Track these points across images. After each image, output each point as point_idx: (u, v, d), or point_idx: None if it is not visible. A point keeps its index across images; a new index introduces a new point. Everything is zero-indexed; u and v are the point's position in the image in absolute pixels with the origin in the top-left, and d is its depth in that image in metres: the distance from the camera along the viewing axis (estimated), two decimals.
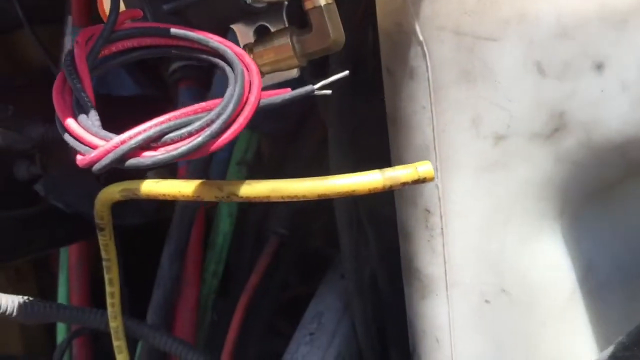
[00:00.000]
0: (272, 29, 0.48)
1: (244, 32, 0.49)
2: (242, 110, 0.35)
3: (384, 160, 0.58)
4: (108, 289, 0.64)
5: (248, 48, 0.44)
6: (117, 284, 0.63)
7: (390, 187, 0.37)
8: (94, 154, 0.32)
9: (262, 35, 0.48)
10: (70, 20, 1.08)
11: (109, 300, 0.65)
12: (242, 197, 0.37)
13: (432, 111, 0.48)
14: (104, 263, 0.61)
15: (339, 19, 0.43)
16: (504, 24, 0.44)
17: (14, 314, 0.59)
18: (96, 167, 0.32)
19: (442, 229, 0.51)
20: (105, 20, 0.47)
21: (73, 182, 0.84)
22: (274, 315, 0.90)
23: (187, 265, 0.78)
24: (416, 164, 0.37)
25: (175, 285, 0.77)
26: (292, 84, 0.42)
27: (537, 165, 0.48)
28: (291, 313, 0.91)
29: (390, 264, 0.78)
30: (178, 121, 0.33)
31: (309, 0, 0.42)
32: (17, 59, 1.24)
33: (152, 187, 0.40)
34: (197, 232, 0.78)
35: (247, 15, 0.46)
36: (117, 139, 0.32)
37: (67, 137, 0.33)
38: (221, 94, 0.76)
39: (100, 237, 0.57)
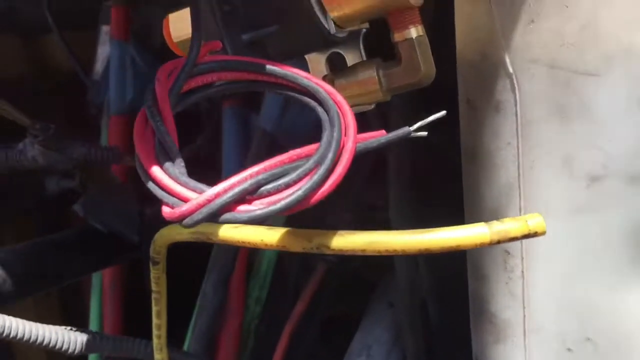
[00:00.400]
0: (347, 57, 0.45)
1: (316, 61, 0.46)
2: (340, 157, 0.32)
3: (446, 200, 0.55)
4: (155, 320, 0.61)
5: (329, 79, 0.41)
6: (165, 316, 0.61)
7: (498, 241, 0.33)
8: (185, 207, 0.29)
9: (339, 64, 0.45)
10: (105, 30, 1.06)
11: (155, 332, 0.63)
12: (334, 249, 0.34)
13: (518, 148, 0.45)
14: (154, 295, 0.58)
15: (430, 52, 0.40)
16: (607, 58, 0.40)
17: (63, 347, 0.56)
18: (187, 221, 0.29)
19: (522, 272, 0.48)
20: (171, 47, 0.45)
21: (111, 202, 0.81)
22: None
23: (230, 292, 0.75)
24: (526, 216, 0.34)
25: (218, 312, 0.74)
26: None
27: (633, 210, 0.44)
28: (324, 334, 0.88)
29: (441, 295, 0.75)
30: (274, 171, 0.30)
31: (399, 32, 0.39)
32: (44, 64, 1.22)
33: (230, 232, 0.37)
34: (241, 258, 0.75)
35: (324, 44, 0.43)
36: (210, 192, 0.29)
37: (151, 186, 0.30)
38: (272, 117, 0.73)
39: (152, 271, 0.55)
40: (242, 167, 0.87)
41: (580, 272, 0.47)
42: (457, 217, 0.54)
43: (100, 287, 0.89)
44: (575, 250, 0.46)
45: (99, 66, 1.10)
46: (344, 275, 0.89)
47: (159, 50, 0.98)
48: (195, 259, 0.78)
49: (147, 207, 0.83)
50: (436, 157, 0.63)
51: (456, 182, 0.54)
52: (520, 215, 0.46)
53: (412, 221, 0.67)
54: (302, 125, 0.71)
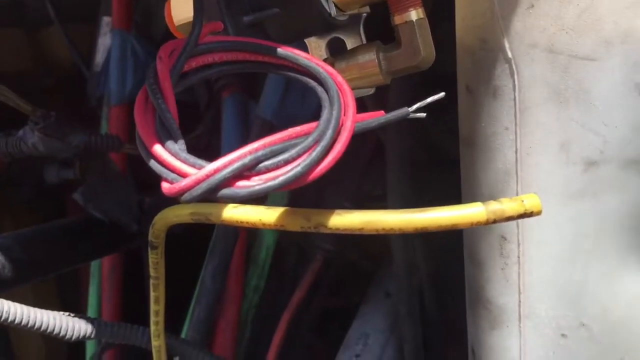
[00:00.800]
0: (347, 42, 0.45)
1: (317, 45, 0.46)
2: (339, 135, 0.32)
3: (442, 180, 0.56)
4: (153, 306, 0.61)
5: (329, 62, 0.41)
6: (163, 302, 0.61)
7: (495, 221, 0.34)
8: (184, 182, 0.29)
9: (339, 48, 0.45)
10: (105, 21, 1.06)
11: (153, 319, 0.63)
12: (331, 228, 0.34)
13: (516, 133, 0.45)
14: (152, 281, 0.58)
15: (430, 35, 0.40)
16: (605, 43, 0.41)
17: (61, 333, 0.56)
18: (186, 197, 0.29)
19: (518, 257, 0.48)
20: (173, 31, 0.45)
21: (111, 191, 0.81)
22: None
23: (229, 280, 0.75)
24: (522, 196, 0.34)
25: (217, 301, 0.74)
26: None
27: (629, 195, 0.44)
28: (321, 325, 0.88)
29: (438, 283, 0.75)
30: (273, 147, 0.30)
31: (399, 15, 0.39)
32: (45, 57, 1.22)
33: (229, 212, 0.37)
34: (240, 246, 0.75)
35: (325, 28, 0.43)
36: (210, 167, 0.29)
37: (152, 163, 0.30)
38: (271, 106, 0.73)
39: (151, 255, 0.55)
40: None
41: (576, 257, 0.47)
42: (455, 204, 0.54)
43: (99, 274, 0.89)
44: (571, 236, 0.47)
45: (99, 58, 1.10)
46: (342, 266, 0.89)
47: (160, 40, 0.98)
48: (195, 247, 0.78)
49: (146, 196, 0.83)
50: (435, 145, 0.63)
51: (455, 170, 0.54)
52: None
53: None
54: (301, 113, 0.71)
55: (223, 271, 0.72)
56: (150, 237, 0.52)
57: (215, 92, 0.82)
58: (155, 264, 0.56)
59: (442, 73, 0.53)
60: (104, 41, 1.07)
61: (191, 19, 0.39)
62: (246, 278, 0.78)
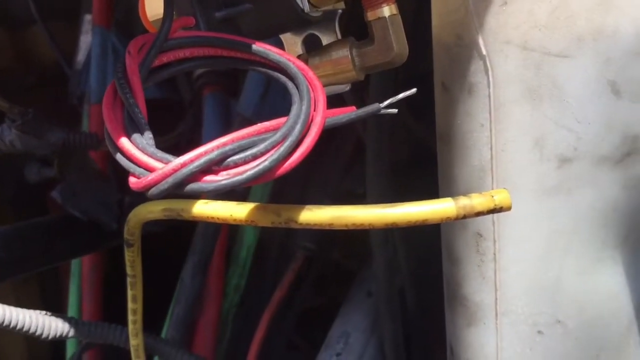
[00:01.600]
0: (323, 39, 0.45)
1: (292, 42, 0.46)
2: (308, 130, 0.32)
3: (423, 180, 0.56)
4: (131, 305, 0.61)
5: (303, 59, 0.41)
6: (141, 300, 0.60)
7: (464, 216, 0.34)
8: (151, 177, 0.29)
9: (315, 45, 0.45)
10: (87, 19, 1.05)
11: (130, 317, 0.62)
12: (301, 223, 0.34)
13: (491, 130, 0.45)
14: (129, 279, 0.58)
15: (403, 32, 0.40)
16: (577, 40, 0.41)
17: (37, 332, 0.56)
18: (153, 191, 0.29)
19: (494, 254, 0.48)
20: (147, 26, 0.44)
21: (90, 190, 0.81)
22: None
23: (209, 279, 0.74)
24: (492, 192, 0.34)
25: (196, 299, 0.73)
26: None
27: (603, 191, 0.45)
28: (304, 325, 0.88)
29: (419, 283, 0.75)
30: (241, 142, 0.30)
31: (372, 11, 0.39)
32: (28, 56, 1.21)
33: (200, 208, 0.37)
34: (220, 245, 0.75)
35: (299, 24, 0.43)
36: (176, 161, 0.29)
37: (119, 157, 0.30)
38: (251, 103, 0.72)
39: (127, 253, 0.54)
40: None
41: (551, 254, 0.47)
42: None
43: (80, 273, 0.88)
44: (546, 232, 0.47)
45: (81, 56, 1.09)
46: (324, 264, 0.89)
47: None
48: (174, 246, 0.77)
49: (126, 194, 0.82)
50: (417, 143, 0.63)
51: (435, 173, 0.54)
52: None
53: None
54: (282, 110, 0.71)
55: (203, 270, 0.72)
56: (125, 235, 0.52)
57: (196, 90, 0.82)
58: (132, 261, 0.56)
59: (424, 70, 0.53)
60: (86, 39, 1.06)
61: None
62: (227, 277, 0.78)
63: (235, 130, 0.75)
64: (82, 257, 0.88)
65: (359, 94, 0.48)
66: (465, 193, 0.49)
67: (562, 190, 0.45)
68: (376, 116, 0.61)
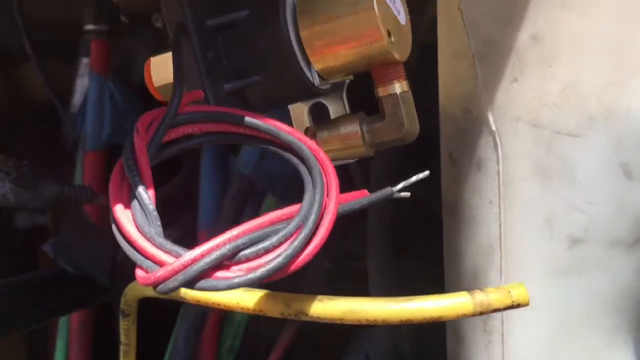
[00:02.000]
0: (330, 107, 0.44)
1: (299, 111, 0.45)
2: (321, 220, 0.31)
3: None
4: None
5: (311, 132, 0.41)
6: None
7: (481, 313, 0.33)
8: (159, 273, 0.27)
9: (322, 113, 0.44)
10: (84, 62, 1.04)
11: None
12: (312, 316, 0.33)
13: (500, 206, 0.44)
14: (122, 347, 0.56)
15: (414, 109, 0.39)
16: (588, 119, 0.40)
17: None
18: (161, 288, 0.27)
19: (502, 335, 0.47)
20: (152, 92, 0.43)
21: (83, 244, 0.79)
22: None
23: (203, 340, 0.72)
24: (508, 286, 0.33)
25: None
26: None
27: (615, 275, 0.43)
28: None
29: (419, 347, 0.73)
30: (253, 235, 0.29)
31: (383, 87, 0.38)
32: (21, 94, 1.20)
33: (205, 293, 0.35)
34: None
35: (307, 96, 0.42)
36: (187, 256, 0.28)
37: (125, 247, 0.29)
38: (250, 162, 0.71)
39: (122, 322, 0.53)
40: (219, 209, 0.84)
41: (562, 337, 0.46)
42: (436, 272, 0.53)
43: (68, 330, 0.85)
44: (556, 315, 0.45)
45: (77, 99, 1.08)
46: (320, 325, 0.87)
47: (138, 85, 0.97)
48: (168, 306, 0.75)
49: (119, 249, 0.80)
50: (417, 211, 0.63)
51: (436, 236, 0.53)
52: (500, 276, 0.45)
53: (390, 276, 0.65)
54: (280, 169, 0.70)
55: (196, 331, 0.70)
56: (122, 305, 0.50)
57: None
58: (127, 330, 0.54)
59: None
60: (82, 82, 1.06)
61: (170, 81, 0.38)
62: (221, 338, 0.75)
63: (233, 187, 0.74)
64: (72, 313, 0.85)
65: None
66: (472, 270, 0.48)
67: (572, 271, 0.44)
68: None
